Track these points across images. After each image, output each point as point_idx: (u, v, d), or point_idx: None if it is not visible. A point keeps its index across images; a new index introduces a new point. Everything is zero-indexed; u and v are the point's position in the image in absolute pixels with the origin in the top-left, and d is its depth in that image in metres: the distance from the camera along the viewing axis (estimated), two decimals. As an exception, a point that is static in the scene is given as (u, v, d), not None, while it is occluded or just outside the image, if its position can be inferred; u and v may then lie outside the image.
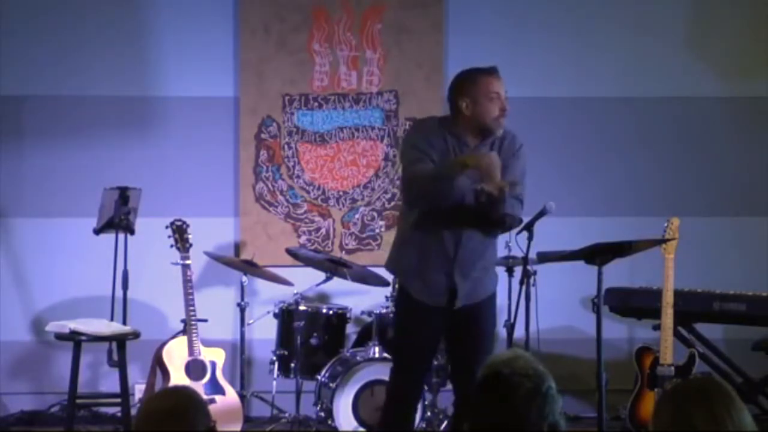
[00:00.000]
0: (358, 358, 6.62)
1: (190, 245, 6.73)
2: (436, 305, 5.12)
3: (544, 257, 6.31)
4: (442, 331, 5.20)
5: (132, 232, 7.11)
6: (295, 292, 6.89)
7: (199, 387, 6.46)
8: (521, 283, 6.13)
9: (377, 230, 7.62)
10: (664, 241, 6.44)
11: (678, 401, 2.83)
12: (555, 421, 2.73)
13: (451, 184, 4.98)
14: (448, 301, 5.12)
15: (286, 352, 6.80)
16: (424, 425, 6.52)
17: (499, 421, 2.72)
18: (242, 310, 7.16)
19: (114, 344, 6.87)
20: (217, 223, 7.49)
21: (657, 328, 6.69)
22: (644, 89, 7.66)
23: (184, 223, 6.78)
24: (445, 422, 6.64)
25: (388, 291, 6.81)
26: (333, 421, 6.49)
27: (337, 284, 7.03)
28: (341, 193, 7.64)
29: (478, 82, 5.11)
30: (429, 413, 6.55)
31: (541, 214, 6.04)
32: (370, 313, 6.88)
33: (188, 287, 6.65)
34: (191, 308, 6.60)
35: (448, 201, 5.02)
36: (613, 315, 7.06)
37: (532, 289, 6.86)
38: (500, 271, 6.91)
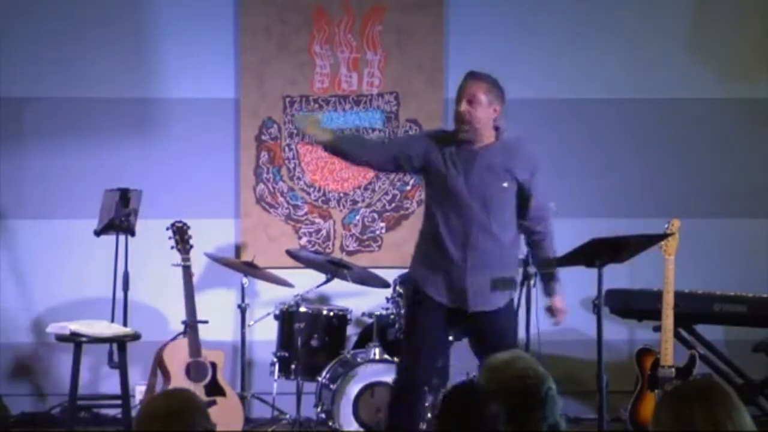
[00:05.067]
0: (358, 359, 6.63)
1: (191, 247, 6.73)
2: (451, 306, 5.44)
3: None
4: (451, 331, 5.59)
5: (133, 234, 7.11)
6: (296, 293, 6.90)
7: (200, 388, 6.46)
8: (522, 284, 6.14)
9: (378, 232, 7.62)
10: (663, 237, 6.41)
11: (678, 402, 2.83)
12: (555, 422, 2.73)
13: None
14: (461, 303, 5.43)
15: (286, 354, 6.80)
16: (424, 426, 6.52)
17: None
18: (243, 312, 7.16)
19: (115, 346, 6.88)
20: (217, 225, 7.49)
21: (657, 329, 6.69)
22: (645, 91, 7.67)
23: (185, 224, 6.78)
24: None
25: (388, 292, 6.82)
26: (333, 422, 6.49)
27: (337, 286, 7.03)
28: (342, 194, 7.64)
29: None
30: (430, 414, 6.56)
31: (542, 215, 6.03)
32: (370, 315, 6.88)
33: (189, 289, 6.65)
34: (192, 310, 6.60)
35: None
36: (613, 316, 7.06)
37: (533, 291, 6.84)
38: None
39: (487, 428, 2.70)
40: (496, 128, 5.47)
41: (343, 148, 5.51)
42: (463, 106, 5.38)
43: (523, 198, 5.49)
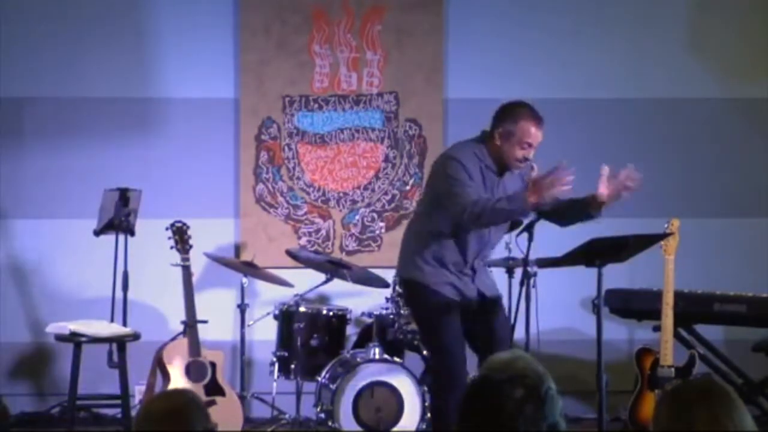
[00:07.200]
0: (358, 359, 6.62)
1: (191, 246, 6.73)
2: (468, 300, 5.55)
3: (544, 262, 6.29)
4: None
5: (132, 234, 7.11)
6: (296, 293, 6.90)
7: (200, 388, 6.45)
8: (521, 284, 6.13)
9: (377, 231, 7.62)
10: (663, 236, 6.41)
11: (678, 402, 2.83)
12: (555, 421, 2.72)
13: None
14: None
15: (286, 354, 6.80)
16: (424, 426, 6.52)
17: (488, 426, 2.71)
18: (242, 312, 7.16)
19: (114, 345, 6.88)
20: (217, 225, 7.49)
21: (657, 329, 6.69)
22: (645, 91, 7.67)
23: (185, 224, 6.78)
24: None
25: (388, 292, 6.81)
26: (333, 422, 6.49)
27: (337, 285, 7.03)
28: (341, 194, 7.64)
29: (521, 125, 5.42)
30: (429, 414, 6.55)
31: (542, 215, 6.02)
32: (370, 315, 6.88)
33: (188, 288, 6.65)
34: (191, 310, 6.60)
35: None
36: (613, 316, 7.05)
37: (532, 291, 6.85)
38: (500, 272, 6.95)
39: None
40: None
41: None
42: (531, 154, 5.47)
43: None
